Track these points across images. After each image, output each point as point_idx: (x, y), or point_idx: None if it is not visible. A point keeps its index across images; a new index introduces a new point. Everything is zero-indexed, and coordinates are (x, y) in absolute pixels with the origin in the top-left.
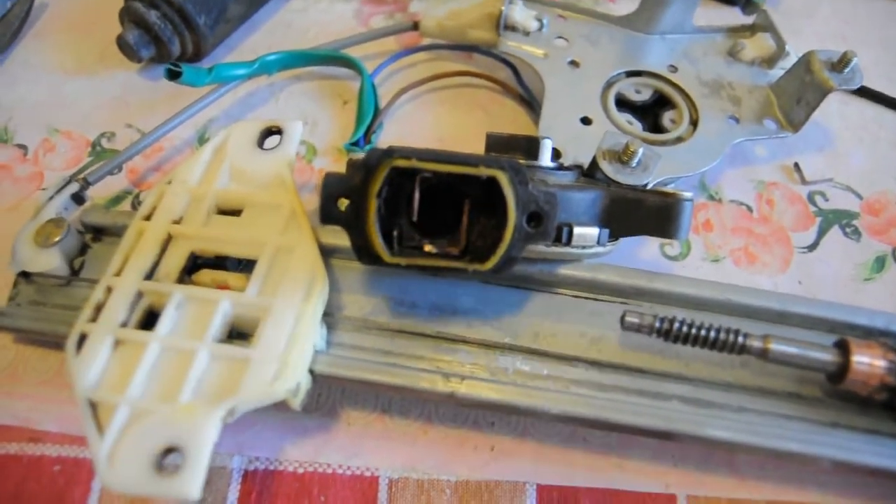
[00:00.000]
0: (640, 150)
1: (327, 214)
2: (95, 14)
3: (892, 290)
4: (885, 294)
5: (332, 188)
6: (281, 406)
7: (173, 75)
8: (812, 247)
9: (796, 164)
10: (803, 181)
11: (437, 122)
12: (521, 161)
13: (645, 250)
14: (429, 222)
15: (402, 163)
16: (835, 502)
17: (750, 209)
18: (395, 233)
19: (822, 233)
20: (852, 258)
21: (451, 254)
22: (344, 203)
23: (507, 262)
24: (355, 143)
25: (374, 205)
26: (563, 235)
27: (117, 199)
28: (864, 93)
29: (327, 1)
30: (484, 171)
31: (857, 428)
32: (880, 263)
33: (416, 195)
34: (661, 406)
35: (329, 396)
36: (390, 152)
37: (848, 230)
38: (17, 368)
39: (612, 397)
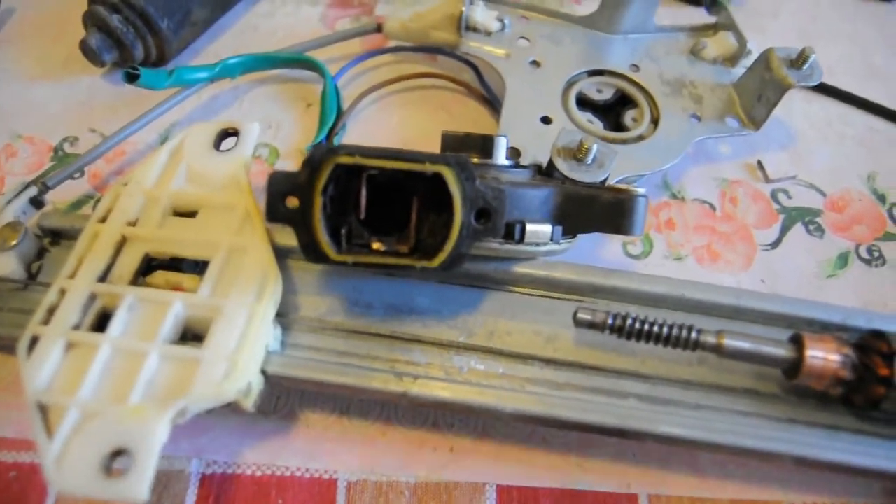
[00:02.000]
0: (595, 147)
1: (274, 212)
2: (61, 19)
3: (855, 287)
4: (848, 290)
5: (278, 186)
6: (239, 409)
7: (131, 78)
8: (775, 244)
9: (759, 162)
10: (767, 179)
11: (400, 124)
12: (476, 159)
13: (607, 250)
14: (378, 220)
15: (345, 159)
16: (797, 500)
17: (713, 207)
18: (343, 231)
19: (785, 230)
20: (815, 255)
21: (401, 251)
22: (293, 202)
23: (455, 259)
24: (318, 145)
25: (319, 202)
26: (515, 232)
27: (78, 204)
28: (828, 91)
29: (293, 4)
30: (429, 168)
31: (815, 423)
32: (843, 260)
33: (363, 192)
34: (617, 404)
35: (287, 399)
36: (336, 150)
37: (811, 227)
38: None
39: (567, 395)
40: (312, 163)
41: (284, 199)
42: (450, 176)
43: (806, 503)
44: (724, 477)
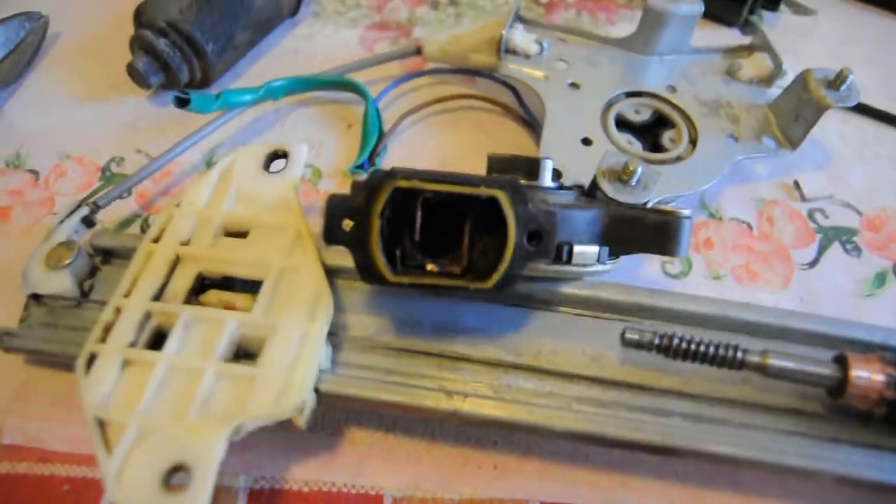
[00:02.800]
0: (640, 169)
1: (331, 235)
2: (106, 43)
3: (893, 306)
4: (886, 310)
5: (335, 209)
6: (286, 425)
7: (182, 103)
8: (813, 263)
9: (796, 182)
10: (803, 198)
11: (440, 145)
12: (522, 182)
13: (647, 269)
14: (431, 242)
15: (404, 183)
16: None
17: (750, 227)
18: (397, 252)
19: (822, 249)
20: (853, 274)
21: (454, 273)
22: (348, 224)
23: (508, 280)
24: (360, 166)
25: (377, 224)
26: (563, 254)
27: (126, 223)
28: (864, 110)
29: (333, 27)
30: (484, 191)
31: (858, 443)
32: (881, 279)
33: (419, 215)
34: (662, 422)
35: (334, 416)
36: (393, 173)
37: (848, 247)
38: (28, 389)
39: (613, 414)
40: (371, 186)
41: (341, 221)
42: (504, 200)
43: None
44: (766, 496)
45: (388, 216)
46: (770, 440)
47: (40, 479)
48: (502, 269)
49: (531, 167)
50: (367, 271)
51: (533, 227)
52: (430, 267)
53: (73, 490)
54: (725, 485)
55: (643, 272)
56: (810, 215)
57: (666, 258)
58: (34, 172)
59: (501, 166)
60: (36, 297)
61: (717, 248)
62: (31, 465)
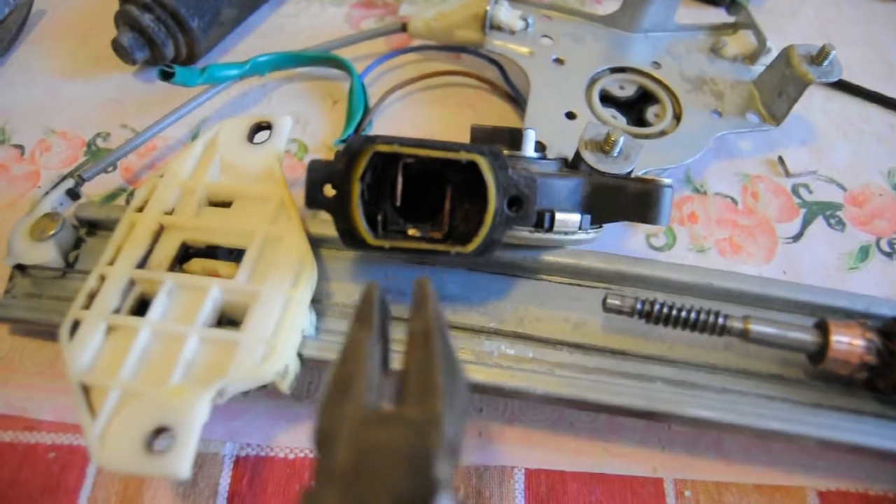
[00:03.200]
0: (622, 140)
1: (312, 199)
2: (91, 19)
3: (877, 279)
4: (869, 283)
5: (317, 173)
6: (272, 393)
7: (166, 76)
8: (797, 237)
9: (780, 158)
10: (787, 174)
11: (425, 121)
12: (505, 151)
13: (631, 242)
14: (413, 208)
15: (384, 148)
16: (821, 485)
17: (735, 201)
18: (379, 218)
19: (806, 223)
20: (837, 248)
21: (435, 238)
22: (330, 192)
23: (488, 245)
24: (344, 141)
25: (357, 188)
26: (545, 221)
27: (112, 197)
28: (848, 88)
29: (319, 5)
30: (464, 156)
31: (840, 408)
32: (864, 253)
33: (399, 181)
34: (645, 387)
35: (321, 383)
36: (373, 139)
37: (832, 221)
38: (12, 359)
39: (597, 379)
40: (351, 151)
41: (322, 186)
42: (484, 164)
43: (830, 489)
44: (749, 462)
45: (369, 182)
46: (752, 405)
47: (26, 448)
48: (483, 234)
49: (514, 137)
50: (348, 235)
51: (513, 192)
52: (411, 232)
53: (58, 458)
54: (709, 452)
55: (628, 244)
56: (794, 190)
57: (651, 230)
58: (19, 147)
59: (484, 136)
60: (21, 268)
61: (701, 222)
62: (17, 434)
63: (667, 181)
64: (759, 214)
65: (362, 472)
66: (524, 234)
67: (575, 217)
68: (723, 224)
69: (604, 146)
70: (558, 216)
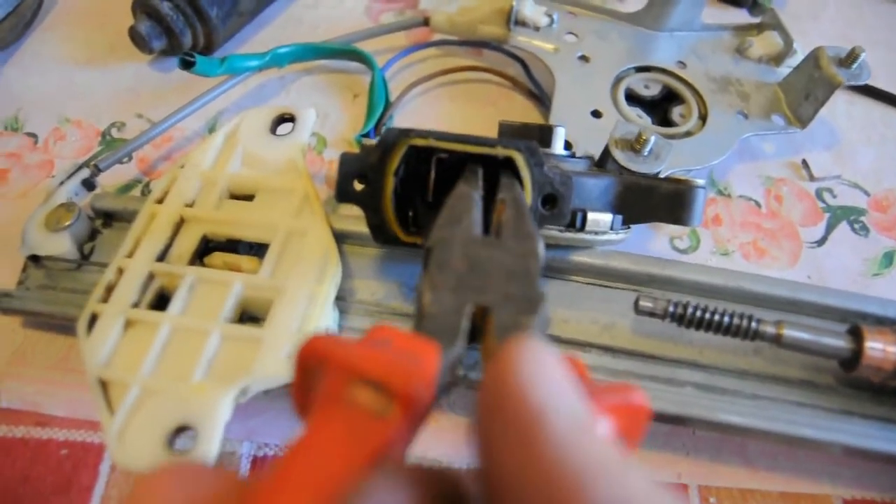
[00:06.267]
0: (653, 139)
1: (344, 193)
2: (106, 6)
3: None
4: (894, 289)
5: (348, 166)
6: (290, 391)
7: (186, 65)
8: (821, 242)
9: (804, 161)
10: (811, 178)
11: (446, 117)
12: None
13: (655, 243)
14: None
15: (419, 142)
16: (846, 494)
17: (758, 204)
18: (409, 213)
19: (830, 228)
20: (860, 253)
21: None
22: (359, 186)
23: None
24: (366, 136)
25: (391, 183)
26: (577, 220)
27: (127, 188)
28: (872, 92)
29: None
30: (501, 152)
31: (870, 416)
32: (889, 259)
33: (432, 175)
34: (675, 391)
35: None
36: (407, 132)
37: (856, 226)
38: (25, 352)
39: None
40: (385, 144)
41: (353, 180)
42: (520, 160)
43: (855, 497)
44: (775, 469)
45: (402, 176)
46: (782, 411)
47: (38, 443)
48: None
49: (543, 134)
50: (379, 231)
51: (548, 189)
52: None
53: (71, 454)
54: (734, 458)
55: (652, 246)
56: (818, 194)
57: (675, 232)
58: (33, 135)
59: (513, 133)
60: (35, 259)
61: (725, 225)
62: (29, 429)
63: (699, 182)
64: (783, 218)
65: (475, 272)
66: (554, 233)
67: (607, 217)
68: (746, 227)
69: (634, 145)
70: (590, 216)
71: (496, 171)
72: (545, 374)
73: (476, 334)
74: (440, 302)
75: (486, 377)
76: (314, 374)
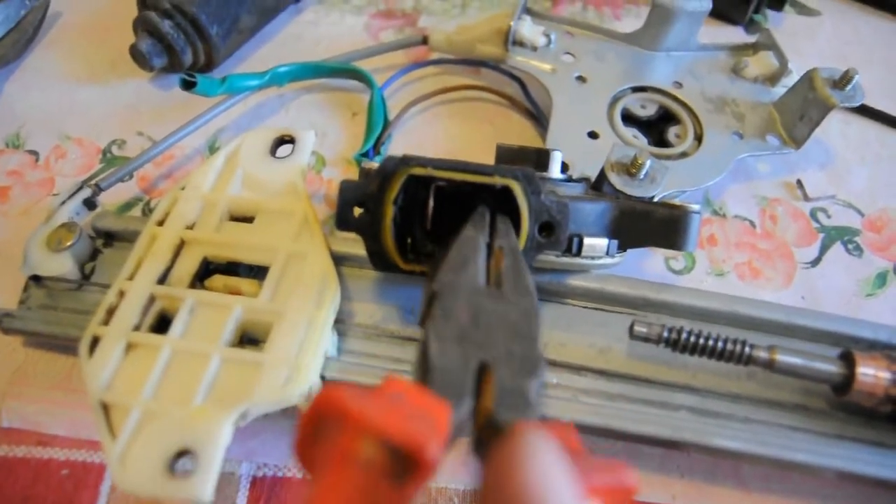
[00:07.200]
0: (648, 163)
1: (343, 221)
2: (107, 23)
3: (894, 306)
4: (886, 309)
5: (348, 194)
6: (290, 413)
7: (188, 85)
8: (815, 262)
9: (799, 181)
10: (806, 198)
11: (445, 135)
12: None
13: (650, 264)
14: (442, 230)
15: (418, 171)
16: None
17: (753, 224)
18: (408, 240)
19: (824, 249)
20: (854, 274)
21: None
22: (358, 211)
23: None
24: (364, 154)
25: (390, 211)
26: (573, 245)
27: (128, 206)
28: (866, 111)
29: (338, 14)
30: (498, 181)
31: (863, 440)
32: (882, 279)
33: (431, 203)
34: (668, 415)
35: None
36: (407, 160)
37: (850, 246)
38: (26, 372)
39: (621, 406)
40: (385, 173)
41: (353, 207)
42: (518, 189)
43: None
44: (768, 491)
45: (401, 204)
46: (775, 435)
47: (39, 463)
48: None
49: (540, 158)
50: (378, 258)
51: (545, 217)
52: None
53: (72, 474)
54: (728, 480)
55: (647, 267)
56: (812, 214)
57: (670, 253)
58: (34, 153)
59: (510, 156)
60: (36, 279)
61: (720, 245)
62: (30, 449)
63: (695, 207)
64: (778, 238)
65: (479, 325)
66: (551, 258)
67: (602, 242)
68: (741, 247)
69: (630, 168)
70: (586, 241)
71: (497, 195)
72: (546, 477)
73: (475, 388)
74: (446, 354)
75: (488, 476)
76: (324, 425)
